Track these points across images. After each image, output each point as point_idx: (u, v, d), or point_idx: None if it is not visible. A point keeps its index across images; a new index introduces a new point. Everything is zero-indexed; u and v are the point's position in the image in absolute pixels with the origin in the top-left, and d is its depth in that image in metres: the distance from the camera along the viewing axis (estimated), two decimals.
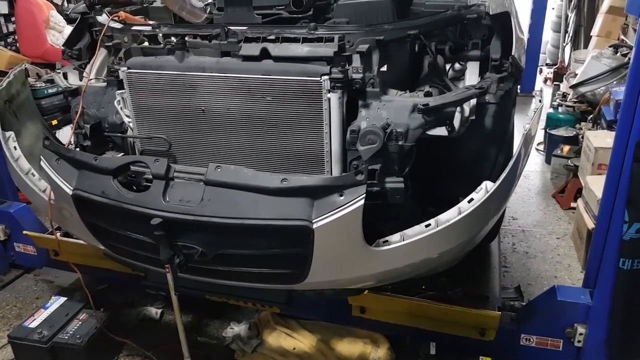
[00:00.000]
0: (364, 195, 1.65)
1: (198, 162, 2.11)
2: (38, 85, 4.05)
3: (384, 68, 1.99)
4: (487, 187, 1.74)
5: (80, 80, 2.49)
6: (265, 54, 1.92)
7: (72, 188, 2.00)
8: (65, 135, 2.94)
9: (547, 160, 4.92)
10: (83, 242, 2.45)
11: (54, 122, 4.13)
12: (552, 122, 5.13)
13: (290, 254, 1.84)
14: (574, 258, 3.49)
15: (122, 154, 2.32)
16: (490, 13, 2.01)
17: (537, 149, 5.30)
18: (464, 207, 1.73)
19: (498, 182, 1.74)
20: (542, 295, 2.42)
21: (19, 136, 2.43)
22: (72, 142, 2.39)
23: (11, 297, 3.23)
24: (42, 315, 2.68)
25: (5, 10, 5.79)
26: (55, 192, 2.11)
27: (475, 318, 2.25)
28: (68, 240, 2.83)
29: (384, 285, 2.27)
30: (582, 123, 4.98)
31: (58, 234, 2.77)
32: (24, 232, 3.09)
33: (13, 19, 5.73)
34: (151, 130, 2.17)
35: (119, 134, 2.28)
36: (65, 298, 2.83)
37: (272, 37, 1.94)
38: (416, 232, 1.76)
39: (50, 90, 4.17)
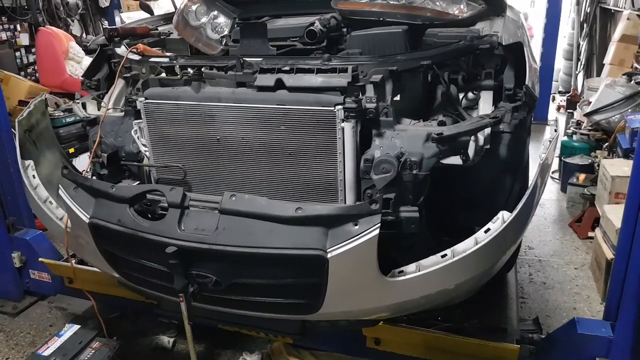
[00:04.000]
0: (379, 224, 1.64)
1: (213, 190, 2.12)
2: (56, 114, 4.16)
3: (397, 97, 2.00)
4: (504, 217, 1.72)
5: (99, 110, 2.55)
6: (280, 85, 1.95)
7: (89, 216, 2.02)
8: (83, 163, 2.99)
9: (563, 189, 4.86)
10: (97, 269, 2.46)
11: (71, 150, 4.22)
12: (566, 150, 5.09)
13: (304, 283, 1.82)
14: (593, 289, 3.40)
15: (138, 182, 2.34)
16: (503, 43, 2.03)
17: (552, 177, 5.24)
18: (481, 237, 1.71)
19: (515, 212, 1.71)
20: (561, 327, 2.35)
21: (38, 165, 2.48)
22: (89, 171, 2.43)
23: (25, 325, 3.23)
24: (55, 343, 2.66)
25: (27, 42, 6.01)
26: (72, 219, 2.13)
27: (492, 351, 2.18)
28: (83, 268, 2.84)
29: (399, 316, 2.23)
30: (598, 151, 4.93)
31: (73, 262, 2.78)
32: (40, 259, 3.11)
33: (33, 50, 5.93)
34: (167, 159, 2.20)
35: (136, 163, 2.31)
36: (79, 326, 2.81)
37: (287, 68, 1.98)
38: (432, 262, 1.74)
39: (68, 120, 4.26)
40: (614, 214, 3.23)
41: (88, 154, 2.40)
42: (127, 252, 2.07)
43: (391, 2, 2.31)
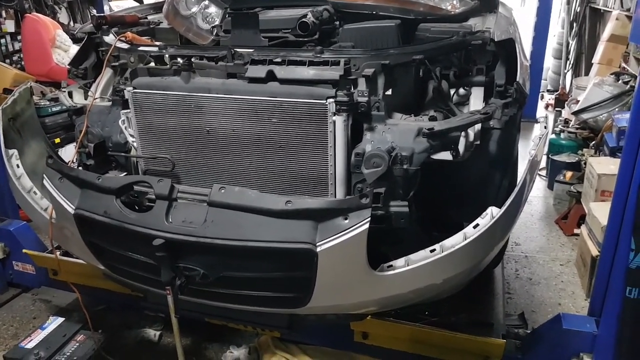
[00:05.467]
0: (369, 218, 1.64)
1: (202, 182, 2.10)
2: (42, 103, 4.05)
3: (389, 92, 2.00)
4: (492, 213, 1.72)
5: (85, 99, 2.50)
6: (271, 76, 1.93)
7: (74, 207, 1.99)
8: (68, 153, 2.94)
9: (550, 186, 4.91)
10: (83, 261, 2.42)
11: (57, 140, 4.12)
12: (554, 147, 5.14)
13: (293, 277, 1.81)
14: (578, 285, 3.45)
15: (125, 173, 2.31)
16: (495, 39, 2.03)
17: (539, 175, 5.29)
18: (470, 232, 1.71)
19: (504, 208, 1.72)
20: (547, 323, 2.37)
21: (22, 154, 2.43)
22: (75, 161, 2.39)
23: (8, 317, 3.17)
24: (39, 336, 2.63)
25: (12, 29, 5.88)
26: (57, 210, 2.09)
27: (479, 345, 2.20)
28: (67, 260, 2.79)
29: (387, 310, 2.23)
30: (585, 149, 4.98)
31: (58, 253, 2.74)
32: (24, 250, 3.05)
33: (19, 37, 5.81)
34: (155, 150, 2.17)
35: (123, 154, 2.27)
36: (63, 318, 2.78)
37: (279, 59, 1.95)
38: (421, 257, 1.74)
39: (54, 109, 4.16)
40: (599, 211, 3.26)
41: (74, 144, 2.36)
42: (114, 244, 2.04)
43: None
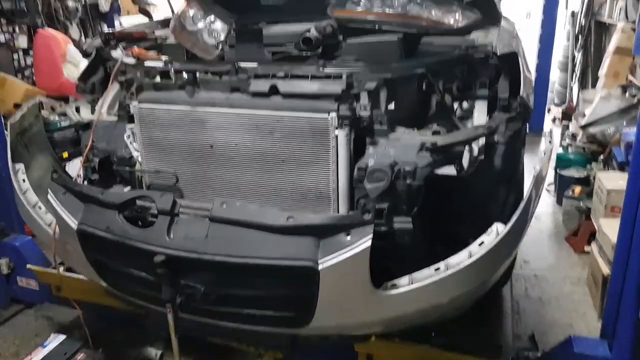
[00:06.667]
0: (372, 235, 1.61)
1: (205, 197, 2.09)
2: (51, 118, 4.10)
3: (392, 106, 1.98)
4: (498, 230, 1.69)
5: (92, 114, 2.52)
6: (274, 91, 1.92)
7: (77, 222, 1.98)
8: (75, 168, 2.95)
9: (559, 202, 4.84)
10: (85, 278, 2.41)
11: (65, 154, 4.16)
12: (562, 162, 5.08)
13: (294, 295, 1.78)
14: (590, 305, 3.36)
15: (130, 188, 2.31)
16: (498, 53, 2.01)
17: (547, 190, 5.23)
18: (475, 250, 1.68)
19: (510, 225, 1.69)
20: (558, 346, 2.31)
21: (29, 169, 2.44)
22: (81, 175, 2.39)
23: (10, 334, 3.15)
24: (40, 354, 2.62)
25: (25, 45, 5.97)
26: (60, 225, 2.09)
27: None
28: (70, 276, 2.78)
29: (392, 331, 2.18)
30: (593, 163, 4.92)
31: (61, 269, 2.72)
32: (28, 266, 3.05)
33: (31, 52, 5.90)
34: (159, 164, 2.16)
35: (127, 168, 2.27)
36: (65, 336, 2.76)
37: (281, 74, 1.95)
38: (425, 275, 1.71)
39: (63, 124, 4.20)
40: (609, 227, 3.19)
41: (81, 158, 2.36)
42: (115, 260, 2.02)
43: (387, 11, 2.30)
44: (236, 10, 2.75)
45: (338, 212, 1.92)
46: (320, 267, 1.65)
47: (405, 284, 1.72)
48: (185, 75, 2.08)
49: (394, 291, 1.72)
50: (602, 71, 6.23)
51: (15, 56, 5.96)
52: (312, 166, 1.90)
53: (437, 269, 1.69)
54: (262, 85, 1.94)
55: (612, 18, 6.36)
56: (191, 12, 2.73)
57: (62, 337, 2.75)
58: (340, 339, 2.03)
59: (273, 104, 1.91)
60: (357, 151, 1.91)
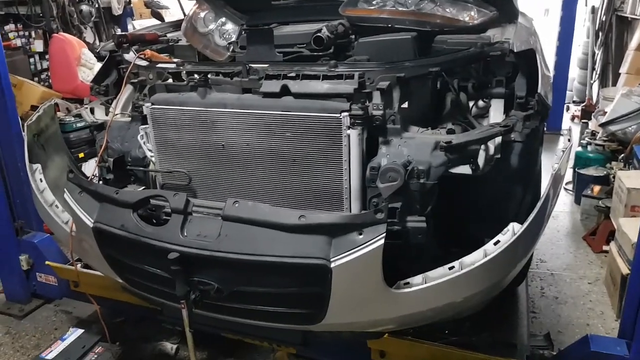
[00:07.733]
0: (384, 234, 1.60)
1: (218, 196, 2.10)
2: (67, 119, 4.17)
3: (405, 105, 1.97)
4: (514, 229, 1.66)
5: (106, 115, 2.56)
6: (285, 91, 1.93)
7: (92, 221, 2.02)
8: (90, 168, 2.99)
9: (577, 201, 4.75)
10: (102, 274, 2.45)
11: (81, 155, 4.22)
12: (581, 161, 4.98)
13: (307, 293, 1.78)
14: (608, 305, 3.30)
15: (144, 187, 2.33)
16: (515, 50, 1.98)
17: (565, 189, 5.13)
18: (490, 249, 1.65)
19: (526, 224, 1.66)
20: (574, 344, 2.27)
21: (46, 169, 2.49)
22: (96, 175, 2.43)
23: (31, 327, 3.23)
24: (59, 347, 2.67)
25: (41, 49, 6.11)
26: (76, 224, 2.13)
27: None
28: (87, 272, 2.83)
29: (405, 329, 2.17)
30: (613, 162, 4.81)
31: (78, 266, 2.78)
32: (47, 262, 3.11)
33: (47, 56, 6.02)
34: (172, 165, 2.19)
35: (141, 168, 2.30)
36: (83, 330, 2.82)
37: (293, 74, 1.95)
38: (439, 274, 1.69)
39: (78, 124, 4.27)
40: (629, 227, 3.13)
41: (96, 158, 2.40)
42: (130, 258, 2.05)
43: (400, 9, 2.28)
44: (247, 12, 2.76)
45: (351, 211, 1.91)
46: (332, 265, 1.65)
47: (418, 282, 1.71)
48: (197, 76, 2.09)
49: (407, 290, 1.71)
50: (624, 68, 6.10)
51: (32, 60, 6.11)
52: (324, 166, 1.90)
53: (452, 268, 1.68)
54: (274, 86, 1.94)
55: (634, 13, 6.20)
56: (202, 14, 2.75)
57: (80, 331, 2.80)
58: (353, 335, 2.03)
59: (284, 105, 1.91)
60: (369, 150, 1.90)
